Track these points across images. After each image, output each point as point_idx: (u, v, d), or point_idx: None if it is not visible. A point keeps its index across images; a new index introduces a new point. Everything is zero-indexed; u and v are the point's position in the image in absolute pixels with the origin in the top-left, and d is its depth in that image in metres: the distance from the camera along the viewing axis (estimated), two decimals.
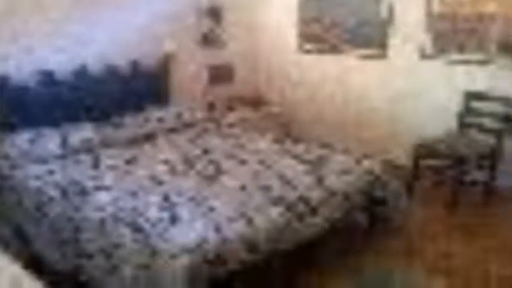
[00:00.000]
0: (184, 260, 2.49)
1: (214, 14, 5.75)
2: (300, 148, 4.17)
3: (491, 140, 4.49)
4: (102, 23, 4.75)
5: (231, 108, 5.89)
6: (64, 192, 3.31)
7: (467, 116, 4.71)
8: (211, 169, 3.69)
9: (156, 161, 3.89)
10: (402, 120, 5.30)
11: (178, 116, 4.83)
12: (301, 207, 3.13)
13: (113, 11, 4.83)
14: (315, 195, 3.27)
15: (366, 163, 3.81)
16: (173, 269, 2.49)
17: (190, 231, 2.72)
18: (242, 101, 6.08)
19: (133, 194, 3.23)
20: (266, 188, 3.31)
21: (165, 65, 5.26)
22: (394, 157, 4.80)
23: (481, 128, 4.61)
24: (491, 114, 4.53)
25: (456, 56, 4.80)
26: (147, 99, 4.97)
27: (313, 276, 3.36)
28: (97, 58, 4.72)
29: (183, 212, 2.95)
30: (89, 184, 3.40)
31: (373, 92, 5.49)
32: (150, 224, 2.82)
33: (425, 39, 4.97)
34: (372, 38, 5.37)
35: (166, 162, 3.86)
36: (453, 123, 4.78)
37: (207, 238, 2.66)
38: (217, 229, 2.75)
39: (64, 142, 4.02)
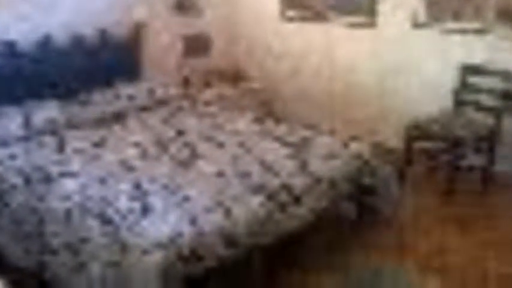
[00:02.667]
0: (157, 256, 2.51)
1: None
2: (282, 129, 4.16)
3: (489, 119, 4.46)
4: None
5: (207, 84, 5.87)
6: (27, 180, 3.31)
7: (463, 93, 4.70)
8: (186, 153, 3.69)
9: (126, 143, 3.88)
10: (393, 96, 5.31)
11: (151, 92, 4.81)
12: (283, 196, 3.13)
13: None
14: (299, 182, 3.27)
15: (354, 146, 3.80)
16: (145, 266, 2.50)
17: (164, 224, 2.72)
18: (220, 75, 6.07)
19: (102, 181, 3.23)
20: (245, 175, 3.31)
21: (136, 35, 5.20)
22: (384, 139, 4.72)
23: (479, 106, 4.59)
24: (490, 91, 4.50)
25: (451, 25, 4.79)
26: (117, 73, 4.93)
27: (296, 274, 3.37)
28: (62, 27, 4.66)
29: (156, 202, 2.95)
30: (54, 170, 3.39)
31: (361, 65, 5.49)
32: (120, 215, 2.82)
33: (417, 6, 4.94)
34: (360, 4, 5.34)
35: (137, 145, 3.85)
36: (448, 101, 4.77)
37: (181, 231, 2.66)
38: (193, 221, 2.75)
39: (27, 122, 3.98)
